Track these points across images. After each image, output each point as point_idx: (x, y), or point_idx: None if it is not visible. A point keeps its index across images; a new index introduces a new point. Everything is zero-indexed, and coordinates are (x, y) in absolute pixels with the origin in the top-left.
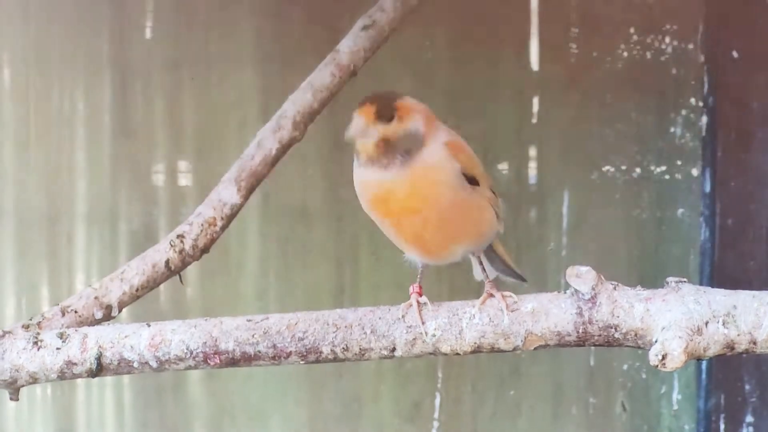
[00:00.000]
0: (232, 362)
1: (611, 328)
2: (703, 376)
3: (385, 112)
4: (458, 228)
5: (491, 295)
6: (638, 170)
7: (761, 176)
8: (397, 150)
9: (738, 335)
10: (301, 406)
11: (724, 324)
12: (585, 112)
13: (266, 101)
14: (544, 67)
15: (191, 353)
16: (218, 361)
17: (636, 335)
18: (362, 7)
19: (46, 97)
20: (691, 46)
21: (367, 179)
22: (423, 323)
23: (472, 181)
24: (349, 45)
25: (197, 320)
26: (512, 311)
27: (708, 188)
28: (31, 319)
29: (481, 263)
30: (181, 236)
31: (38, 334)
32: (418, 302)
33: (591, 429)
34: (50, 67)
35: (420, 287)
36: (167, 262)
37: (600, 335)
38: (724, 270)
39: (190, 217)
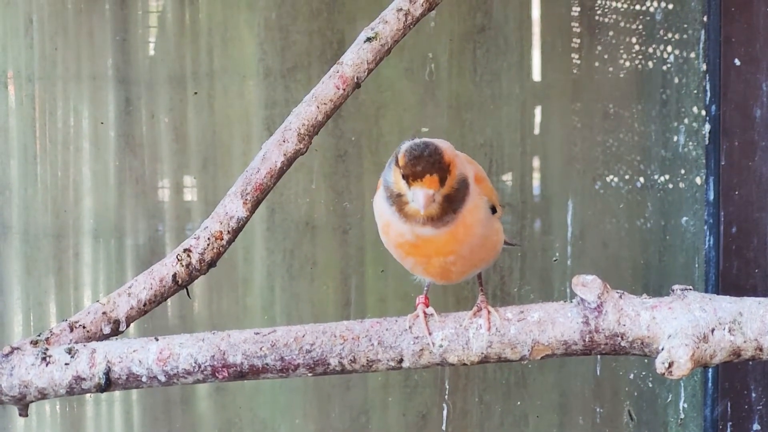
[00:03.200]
0: (240, 375)
1: (618, 336)
2: (710, 384)
3: (445, 176)
4: (481, 257)
5: (481, 309)
6: (642, 179)
7: (765, 184)
8: (454, 203)
9: (744, 342)
10: (309, 418)
11: (730, 331)
12: (588, 122)
13: (270, 114)
14: (546, 77)
15: (199, 367)
16: (226, 375)
17: (642, 343)
18: (365, 19)
19: (51, 113)
20: (692, 55)
21: (407, 232)
22: (430, 334)
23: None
24: (353, 57)
25: (205, 334)
26: (493, 332)
27: (712, 196)
28: (39, 335)
29: (480, 278)
30: (187, 250)
31: (47, 349)
32: (424, 313)
33: None
34: (55, 83)
35: (426, 298)
36: (174, 276)
37: (606, 344)
38: (729, 278)
39: (196, 231)
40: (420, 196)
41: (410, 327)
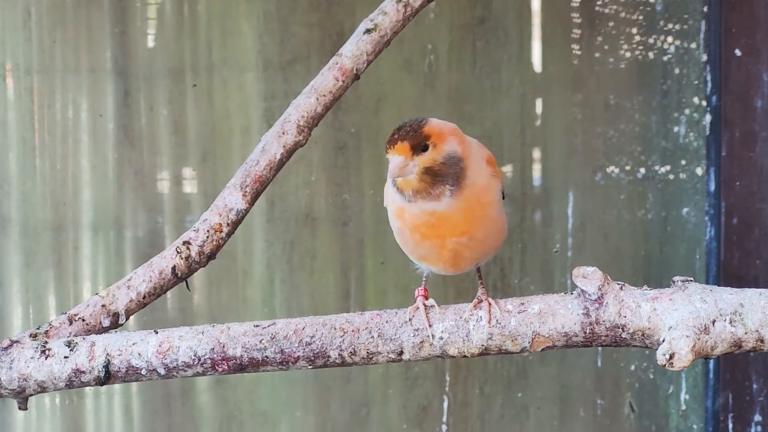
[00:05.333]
0: (240, 368)
1: (618, 328)
2: (711, 375)
3: (419, 143)
4: (491, 243)
5: (482, 301)
6: (642, 170)
7: (766, 174)
8: (443, 177)
9: (745, 333)
10: (310, 411)
11: (731, 322)
12: (588, 113)
13: (269, 106)
14: (547, 68)
15: (199, 360)
16: (226, 368)
17: (643, 335)
18: (364, 11)
19: (49, 106)
20: (693, 46)
21: (418, 211)
22: (430, 326)
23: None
24: (352, 49)
25: (204, 326)
26: (494, 324)
27: (713, 187)
28: (38, 328)
29: (479, 271)
30: (187, 243)
31: (46, 342)
32: (424, 305)
33: (599, 430)
34: (54, 76)
35: (425, 290)
36: (174, 268)
37: (607, 335)
38: (730, 269)
39: (195, 224)
40: (390, 164)
41: (410, 319)
